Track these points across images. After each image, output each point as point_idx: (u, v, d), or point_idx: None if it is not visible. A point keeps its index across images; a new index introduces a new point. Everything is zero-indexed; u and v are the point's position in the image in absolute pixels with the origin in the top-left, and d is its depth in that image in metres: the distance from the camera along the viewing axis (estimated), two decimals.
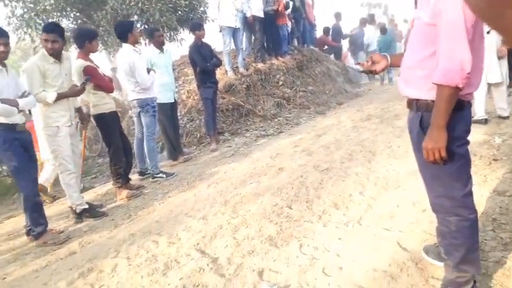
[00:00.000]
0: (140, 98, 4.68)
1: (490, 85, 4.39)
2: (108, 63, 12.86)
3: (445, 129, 1.45)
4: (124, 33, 4.61)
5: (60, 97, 3.65)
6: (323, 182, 3.47)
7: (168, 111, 5.43)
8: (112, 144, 4.31)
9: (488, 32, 4.14)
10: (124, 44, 4.69)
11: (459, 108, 1.46)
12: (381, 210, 2.65)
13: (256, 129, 6.55)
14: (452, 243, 1.64)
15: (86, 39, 4.07)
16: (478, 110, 4.36)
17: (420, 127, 1.57)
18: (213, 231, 2.92)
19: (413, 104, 1.59)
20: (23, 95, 3.32)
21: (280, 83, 7.82)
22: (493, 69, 4.27)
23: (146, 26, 10.93)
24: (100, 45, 11.11)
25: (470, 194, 1.58)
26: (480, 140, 3.72)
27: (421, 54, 1.50)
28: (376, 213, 2.66)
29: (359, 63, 2.05)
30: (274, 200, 3.26)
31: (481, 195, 2.56)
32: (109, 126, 4.28)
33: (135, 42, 4.74)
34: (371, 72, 1.96)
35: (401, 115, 5.33)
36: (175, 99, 5.61)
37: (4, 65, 3.25)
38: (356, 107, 7.21)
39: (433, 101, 1.46)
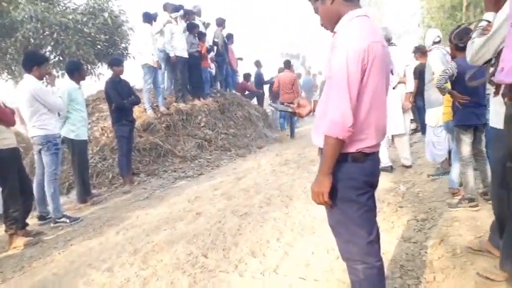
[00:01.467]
0: (41, 134, 4.23)
1: (393, 136, 4.83)
2: (13, 94, 11.70)
3: (329, 176, 1.52)
4: (30, 64, 4.24)
5: None
6: (241, 228, 3.39)
7: (84, 149, 5.18)
8: (8, 184, 3.77)
9: (394, 88, 4.66)
10: (26, 75, 4.29)
11: (357, 160, 1.54)
12: (297, 258, 2.64)
13: (175, 171, 6.32)
14: None
15: None
16: (382, 158, 4.74)
17: None
18: (119, 284, 2.65)
19: (320, 152, 1.64)
20: None
21: (202, 124, 7.77)
22: (397, 121, 4.73)
23: (61, 58, 10.31)
24: (6, 74, 10.15)
25: (376, 241, 1.63)
26: (387, 187, 4.02)
27: (325, 106, 1.58)
28: (292, 260, 2.64)
29: (288, 105, 2.10)
30: (189, 249, 3.07)
31: (389, 242, 2.70)
32: (5, 163, 3.74)
33: (39, 78, 4.36)
34: (294, 114, 2.02)
35: (316, 161, 5.54)
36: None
37: None
38: (275, 151, 7.43)
39: None
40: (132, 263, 2.97)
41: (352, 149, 1.53)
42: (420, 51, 5.87)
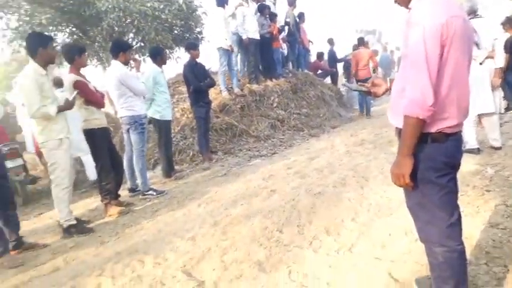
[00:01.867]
0: (128, 115, 4.66)
1: (481, 115, 4.43)
2: (102, 79, 12.92)
3: (410, 157, 1.49)
4: (117, 50, 4.64)
5: (59, 110, 3.65)
6: (315, 207, 3.42)
7: (169, 128, 5.55)
8: (100, 160, 4.25)
9: (480, 63, 4.25)
10: (113, 61, 4.71)
11: (438, 140, 1.49)
12: (373, 238, 2.61)
13: (249, 150, 6.52)
14: (441, 276, 1.61)
15: (75, 54, 4.11)
16: (469, 139, 4.38)
17: None
18: (201, 253, 2.85)
19: (398, 132, 1.60)
20: None
21: (275, 104, 7.86)
22: (486, 99, 4.32)
23: (142, 44, 11.04)
24: (95, 60, 11.17)
25: (457, 224, 1.57)
26: (473, 170, 3.73)
27: (402, 84, 1.52)
28: (368, 240, 2.62)
29: (362, 85, 2.08)
30: (265, 223, 3.20)
31: (474, 226, 2.54)
32: (98, 142, 4.23)
33: (125, 63, 4.76)
34: (369, 93, 1.98)
35: (394, 141, 5.35)
36: None
37: None
38: (350, 131, 7.25)
39: None
40: (213, 233, 3.19)
41: (432, 129, 1.47)
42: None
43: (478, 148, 4.36)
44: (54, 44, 10.81)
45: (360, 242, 2.62)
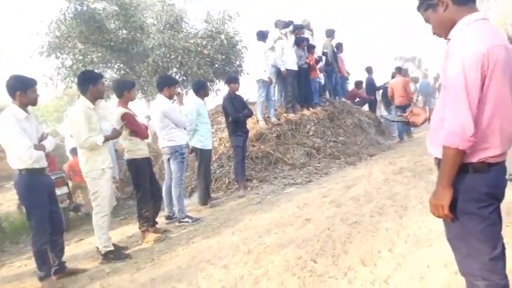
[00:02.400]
0: (170, 145, 4.86)
1: None
2: (146, 111, 13.60)
3: (449, 188, 1.46)
4: (162, 85, 4.94)
5: (106, 139, 3.88)
6: (351, 236, 3.34)
7: (210, 157, 5.76)
8: (141, 188, 4.42)
9: None
10: (158, 95, 4.98)
11: (479, 170, 1.45)
12: (411, 270, 2.50)
13: (284, 177, 6.51)
14: None
15: (125, 89, 4.39)
16: None
17: None
18: (234, 281, 2.86)
19: (437, 162, 1.57)
20: (42, 137, 3.51)
21: (311, 132, 7.86)
22: None
23: (184, 78, 11.57)
24: (140, 93, 11.83)
25: (501, 258, 1.49)
26: None
27: (442, 114, 1.50)
28: (405, 272, 2.51)
29: (401, 115, 2.08)
30: (298, 252, 3.15)
31: None
32: (139, 171, 4.42)
33: (170, 97, 5.03)
34: (408, 123, 1.99)
35: (434, 170, 5.12)
36: None
37: (28, 112, 3.40)
38: (388, 159, 7.06)
39: None
40: (246, 262, 3.19)
41: (474, 159, 1.44)
42: None
43: None
44: (104, 80, 11.68)
45: (397, 274, 2.51)
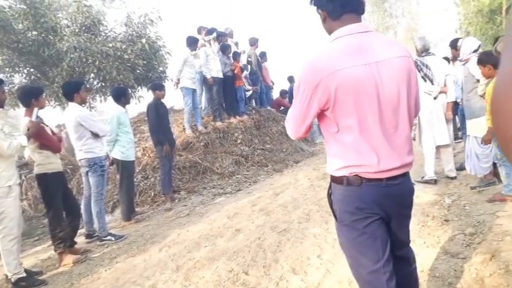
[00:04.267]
0: (88, 157, 4.48)
1: (438, 147, 4.65)
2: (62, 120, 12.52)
3: None
4: (70, 92, 4.52)
5: (28, 137, 3.62)
6: (281, 244, 3.37)
7: (132, 169, 5.44)
8: (52, 206, 4.01)
9: (435, 98, 4.52)
10: (70, 103, 4.57)
11: (352, 184, 1.46)
12: (339, 275, 2.58)
13: (213, 187, 6.42)
14: None
15: (32, 97, 3.91)
16: (428, 171, 4.58)
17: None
18: None
19: None
20: None
21: (239, 141, 7.89)
22: (442, 131, 4.57)
23: (103, 84, 10.90)
24: (54, 101, 10.86)
25: (381, 273, 1.47)
26: (431, 200, 3.86)
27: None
28: (335, 278, 2.59)
29: None
30: (230, 265, 3.09)
31: (435, 258, 2.59)
32: (50, 187, 4.00)
33: (82, 103, 4.64)
34: None
35: None
36: None
37: None
38: (312, 165, 7.36)
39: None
40: (175, 280, 3.04)
41: (347, 172, 1.45)
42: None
43: (435, 179, 4.55)
44: (11, 85, 10.48)
45: (327, 280, 2.58)
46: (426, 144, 4.66)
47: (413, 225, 3.12)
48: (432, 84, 4.54)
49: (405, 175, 1.50)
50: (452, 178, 4.61)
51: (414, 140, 6.77)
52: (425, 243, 2.88)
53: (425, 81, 4.53)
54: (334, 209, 1.56)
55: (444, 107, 4.61)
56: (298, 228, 3.73)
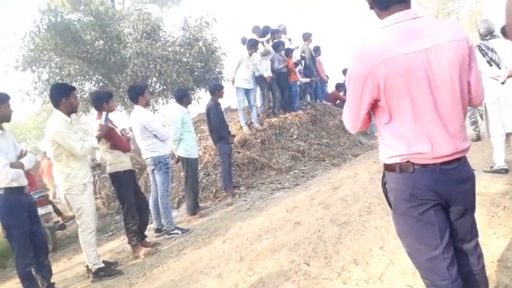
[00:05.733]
0: (153, 156, 4.80)
1: (509, 134, 4.33)
2: (128, 123, 13.42)
3: None
4: (135, 96, 4.85)
5: (98, 138, 3.97)
6: (341, 237, 3.36)
7: (196, 166, 5.71)
8: (126, 202, 4.35)
9: (502, 83, 4.21)
10: (135, 106, 4.91)
11: (405, 170, 1.45)
12: (403, 266, 2.53)
13: (271, 183, 6.53)
14: None
15: (103, 101, 4.31)
16: (498, 160, 4.28)
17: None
18: None
19: None
20: (21, 155, 3.43)
21: (295, 136, 7.92)
22: (511, 118, 4.24)
23: (164, 87, 11.49)
24: (120, 105, 11.67)
25: (440, 259, 1.46)
26: (502, 190, 3.61)
27: None
28: (398, 268, 2.54)
29: None
30: (291, 256, 3.16)
31: (506, 248, 2.44)
32: (123, 184, 4.35)
33: (146, 104, 4.98)
34: None
35: None
36: None
37: (2, 128, 3.34)
38: (372, 158, 7.17)
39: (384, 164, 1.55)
40: (239, 269, 3.17)
41: (399, 159, 1.45)
42: None
43: (506, 169, 4.23)
44: (82, 93, 11.49)
45: (390, 271, 2.54)
46: (494, 132, 4.34)
47: (482, 216, 2.96)
48: (499, 68, 4.21)
49: (461, 160, 1.46)
50: None
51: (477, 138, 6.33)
52: (495, 233, 2.71)
53: (491, 65, 4.21)
54: (389, 197, 1.57)
55: None
56: (359, 221, 3.69)
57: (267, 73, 7.88)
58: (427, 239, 1.47)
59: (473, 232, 1.55)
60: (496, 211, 3.08)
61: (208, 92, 6.42)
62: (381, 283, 2.41)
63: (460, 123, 1.43)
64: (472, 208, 1.53)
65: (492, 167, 4.32)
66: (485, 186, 3.73)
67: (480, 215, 2.70)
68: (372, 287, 2.40)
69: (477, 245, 1.56)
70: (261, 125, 7.87)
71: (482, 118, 5.54)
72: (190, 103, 5.88)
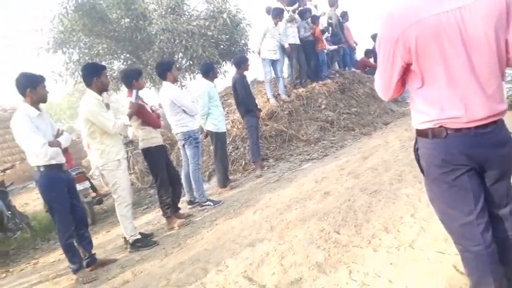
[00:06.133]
0: (183, 131, 4.89)
1: None
2: (157, 99, 13.62)
3: None
4: (163, 72, 4.89)
5: (129, 116, 4.10)
6: (372, 205, 3.35)
7: (225, 139, 5.80)
8: (158, 176, 4.49)
9: None
10: (164, 82, 4.97)
11: (437, 136, 1.42)
12: (435, 233, 2.50)
13: (300, 154, 6.52)
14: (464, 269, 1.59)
15: (133, 79, 4.38)
16: None
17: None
18: (260, 258, 2.91)
19: None
20: (58, 134, 3.58)
21: (323, 106, 7.79)
22: None
23: (191, 62, 11.50)
24: (149, 82, 11.84)
25: (474, 225, 1.44)
26: None
27: None
28: (430, 235, 2.51)
29: None
30: (321, 225, 3.19)
31: None
32: (155, 159, 4.48)
33: (174, 80, 5.02)
34: None
35: None
36: None
37: (40, 109, 3.46)
38: (404, 126, 6.97)
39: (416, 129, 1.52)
40: (270, 238, 3.24)
41: (432, 124, 1.41)
42: None
43: None
44: (111, 71, 11.73)
45: (421, 238, 2.52)
46: None
47: None
48: None
49: (498, 123, 1.40)
50: None
51: None
52: None
53: None
54: (421, 163, 1.55)
55: None
56: (390, 189, 3.64)
57: (294, 40, 7.68)
58: (460, 205, 1.45)
59: (508, 197, 1.50)
60: None
61: (233, 66, 6.36)
62: (413, 250, 2.40)
63: (496, 84, 1.36)
64: (508, 173, 1.48)
65: None
66: None
67: None
68: (403, 253, 2.39)
69: None
70: (288, 96, 7.78)
71: None
72: (216, 77, 5.87)
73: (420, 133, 1.49)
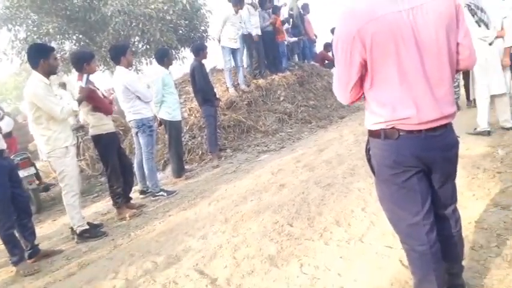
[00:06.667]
0: (136, 118, 4.70)
1: (493, 96, 4.34)
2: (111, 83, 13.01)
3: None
4: (117, 56, 4.66)
5: (79, 101, 3.88)
6: (325, 198, 3.42)
7: (179, 128, 5.64)
8: (109, 164, 4.31)
9: (490, 44, 4.16)
10: (117, 67, 4.74)
11: (390, 137, 1.43)
12: (383, 227, 2.58)
13: (258, 145, 6.53)
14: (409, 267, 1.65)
15: (84, 62, 4.11)
16: (481, 121, 4.32)
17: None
18: (213, 250, 2.88)
19: None
20: None
21: (282, 98, 7.84)
22: (497, 80, 4.24)
23: (147, 47, 11.08)
24: (103, 65, 11.27)
25: (420, 225, 1.48)
26: (483, 152, 3.67)
27: None
28: (378, 230, 2.60)
29: None
30: (275, 218, 3.21)
31: (484, 210, 2.51)
32: (106, 146, 4.28)
33: (128, 65, 4.81)
34: None
35: None
36: None
37: None
38: (358, 120, 7.18)
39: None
40: (224, 231, 3.22)
41: (385, 125, 1.43)
42: None
43: (489, 131, 4.29)
44: (62, 52, 11.01)
45: (371, 232, 2.61)
46: (479, 93, 4.36)
47: (463, 178, 3.02)
48: (488, 29, 4.14)
49: (447, 126, 1.44)
50: (507, 129, 4.32)
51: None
52: (474, 195, 2.78)
53: (480, 26, 4.14)
54: (372, 164, 1.57)
55: (501, 53, 4.22)
56: (342, 183, 3.74)
57: (256, 31, 7.60)
58: (409, 206, 1.49)
59: (453, 198, 1.58)
60: (476, 173, 3.15)
61: (192, 53, 6.19)
62: (362, 244, 2.47)
63: (447, 87, 1.39)
64: (454, 174, 1.54)
65: (475, 129, 4.38)
66: (468, 149, 3.79)
67: (460, 177, 2.74)
68: (353, 247, 2.46)
69: (455, 209, 1.60)
70: (248, 86, 7.73)
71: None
72: (172, 64, 5.67)
73: (373, 134, 1.51)
